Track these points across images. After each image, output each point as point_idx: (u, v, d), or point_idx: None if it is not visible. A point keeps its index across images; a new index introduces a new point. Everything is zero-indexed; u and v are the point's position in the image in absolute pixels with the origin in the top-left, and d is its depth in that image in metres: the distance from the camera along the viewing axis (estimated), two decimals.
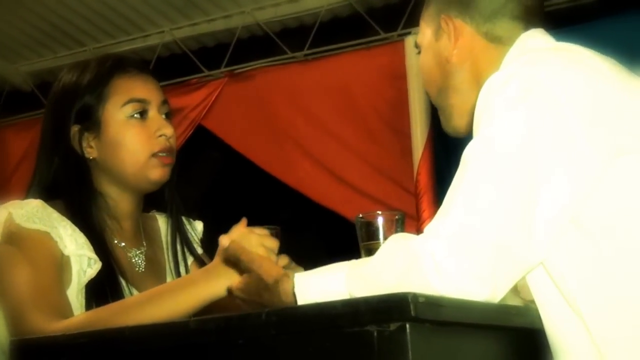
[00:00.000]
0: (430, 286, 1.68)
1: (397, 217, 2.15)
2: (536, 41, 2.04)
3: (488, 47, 2.07)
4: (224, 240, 2.06)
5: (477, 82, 2.01)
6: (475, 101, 1.89)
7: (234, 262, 2.05)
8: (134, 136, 2.33)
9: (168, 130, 2.36)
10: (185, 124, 5.65)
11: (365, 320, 1.57)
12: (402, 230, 2.15)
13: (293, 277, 1.93)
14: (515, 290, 2.19)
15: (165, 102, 2.42)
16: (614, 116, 1.80)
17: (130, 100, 2.34)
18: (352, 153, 5.31)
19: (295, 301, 1.90)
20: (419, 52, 2.21)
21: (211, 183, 5.93)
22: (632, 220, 1.77)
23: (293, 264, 2.14)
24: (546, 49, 2.00)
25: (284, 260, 2.11)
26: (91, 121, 2.33)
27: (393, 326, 1.54)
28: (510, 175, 1.74)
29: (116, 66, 2.38)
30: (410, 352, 1.53)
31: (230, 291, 2.06)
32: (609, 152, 1.77)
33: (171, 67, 5.81)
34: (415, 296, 1.54)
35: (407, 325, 1.54)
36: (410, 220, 4.39)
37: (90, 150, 2.34)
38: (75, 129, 2.34)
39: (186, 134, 5.65)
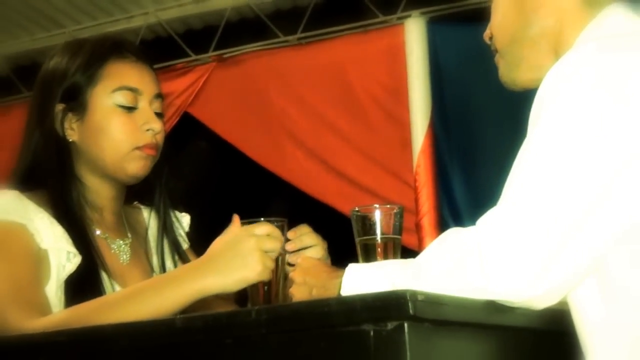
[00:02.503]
0: (473, 285, 1.69)
1: (395, 211, 2.15)
2: (619, 21, 1.98)
3: (578, 8, 2.02)
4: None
5: (556, 43, 2.02)
6: (546, 62, 1.91)
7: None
8: (120, 125, 2.33)
9: (156, 125, 2.36)
10: (170, 111, 5.62)
11: (361, 319, 1.57)
12: (401, 225, 2.16)
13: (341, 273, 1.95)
14: None
15: (158, 95, 2.41)
16: None
17: (122, 87, 2.35)
18: (348, 143, 5.33)
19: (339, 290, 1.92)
20: None
21: (198, 174, 5.92)
22: None
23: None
24: (628, 34, 1.94)
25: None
26: (77, 102, 2.34)
27: (390, 325, 1.55)
28: (585, 170, 1.71)
29: (113, 49, 2.39)
30: (408, 353, 1.54)
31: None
32: None
33: (156, 51, 5.77)
34: (414, 294, 1.54)
35: (406, 325, 1.54)
36: (409, 214, 4.40)
37: (71, 132, 2.34)
38: (59, 107, 2.34)
39: (171, 122, 5.62)
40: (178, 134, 5.62)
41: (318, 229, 2.24)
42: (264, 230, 2.03)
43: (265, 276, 2.00)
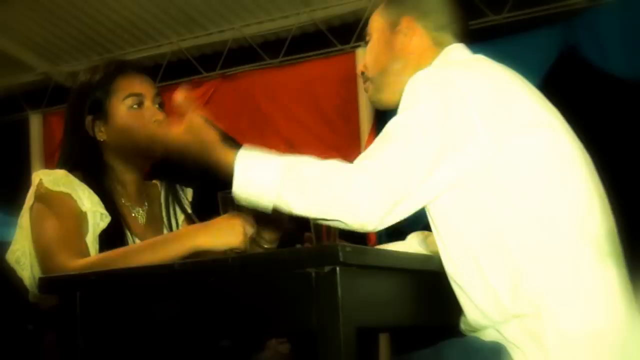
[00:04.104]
0: (351, 207, 1.72)
1: None
2: (457, 53, 2.07)
3: (431, 48, 2.10)
4: (179, 94, 1.95)
5: (414, 72, 2.01)
6: (404, 86, 1.91)
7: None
8: (134, 122, 2.33)
9: (160, 116, 2.36)
10: None
11: (306, 264, 1.59)
12: None
13: (235, 150, 1.82)
14: (424, 243, 2.21)
15: (158, 94, 2.41)
16: (505, 109, 1.84)
17: (130, 95, 2.35)
18: (314, 136, 5.30)
19: (230, 174, 1.80)
20: (369, 39, 2.21)
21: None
22: (506, 181, 1.81)
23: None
24: (462, 61, 2.03)
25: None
26: (101, 112, 2.35)
27: (327, 269, 1.56)
28: (423, 143, 1.78)
29: (118, 68, 2.39)
30: (339, 288, 1.56)
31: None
32: (500, 134, 1.80)
33: (178, 70, 5.78)
34: (344, 247, 1.56)
35: (337, 268, 1.56)
36: None
37: (101, 134, 2.35)
38: (89, 118, 2.35)
39: None
40: None
41: None
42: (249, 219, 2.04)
43: (243, 245, 2.00)
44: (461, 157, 1.79)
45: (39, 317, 2.40)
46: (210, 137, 1.88)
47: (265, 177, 1.78)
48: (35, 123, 6.22)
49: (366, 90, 2.21)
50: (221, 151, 1.86)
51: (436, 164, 1.78)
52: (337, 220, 1.75)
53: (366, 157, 1.79)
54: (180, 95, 1.92)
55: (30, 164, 5.97)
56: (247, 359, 2.66)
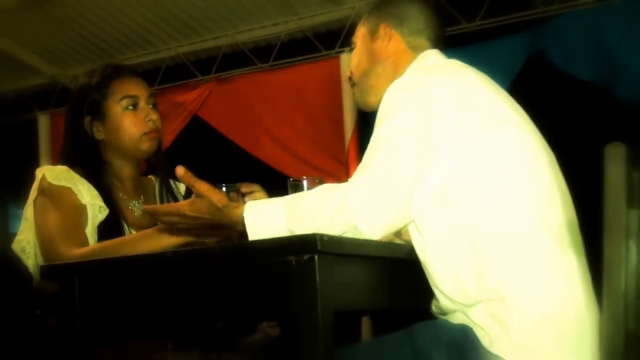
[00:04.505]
0: (354, 220, 1.72)
1: (317, 180, 2.14)
2: (432, 58, 2.07)
3: (406, 52, 2.11)
4: (180, 170, 1.86)
5: (393, 74, 2.06)
6: (386, 88, 1.91)
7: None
8: (130, 122, 2.32)
9: (154, 116, 2.35)
10: (184, 113, 5.61)
11: (287, 253, 1.59)
12: None
13: (242, 205, 1.83)
14: (398, 233, 2.21)
15: (151, 95, 2.39)
16: (477, 109, 1.84)
17: (125, 96, 2.33)
18: (301, 134, 5.28)
19: (244, 227, 1.80)
20: (354, 47, 2.22)
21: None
22: (476, 178, 1.81)
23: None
24: (436, 65, 2.03)
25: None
26: (99, 113, 2.33)
27: (306, 257, 1.56)
28: (407, 148, 1.78)
29: (114, 72, 2.37)
30: (317, 275, 1.56)
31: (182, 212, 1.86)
32: (471, 133, 1.80)
33: (176, 73, 5.78)
34: (321, 236, 1.56)
35: (316, 256, 1.56)
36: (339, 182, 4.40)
37: (99, 133, 2.34)
38: (87, 119, 2.33)
39: (185, 120, 5.63)
40: (190, 128, 5.60)
41: (274, 189, 2.18)
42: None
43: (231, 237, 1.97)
44: (441, 156, 1.79)
45: (43, 302, 2.40)
46: (219, 201, 1.85)
47: (273, 224, 1.79)
48: (43, 123, 6.21)
49: (354, 94, 2.23)
50: (231, 210, 1.84)
51: (423, 165, 1.78)
52: (346, 233, 1.75)
53: (358, 173, 1.80)
54: (180, 171, 1.86)
55: (39, 160, 5.95)
56: (238, 341, 2.65)
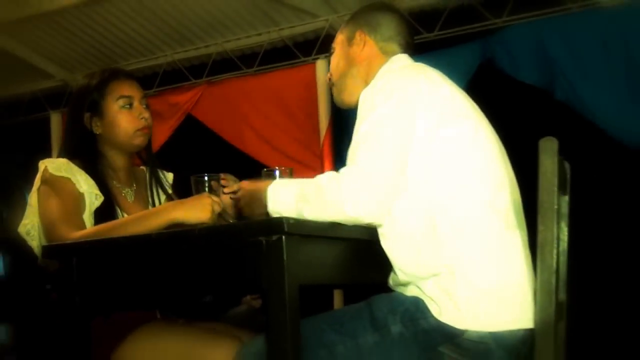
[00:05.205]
0: (346, 207, 1.70)
1: (288, 170, 2.14)
2: (401, 62, 2.06)
3: (379, 56, 2.10)
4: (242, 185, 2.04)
5: (367, 75, 2.07)
6: (360, 89, 1.93)
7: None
8: (124, 119, 2.29)
9: (146, 114, 2.33)
10: (179, 112, 5.55)
11: (257, 233, 1.58)
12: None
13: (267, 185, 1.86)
14: None
15: (144, 96, 2.37)
16: (440, 104, 1.84)
17: (121, 97, 2.30)
18: (282, 130, 5.23)
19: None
20: (334, 52, 2.21)
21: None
22: (436, 165, 1.81)
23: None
24: (405, 66, 2.02)
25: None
26: (97, 110, 2.30)
27: (275, 237, 1.56)
28: (389, 142, 1.77)
29: (112, 75, 2.34)
30: (284, 254, 1.55)
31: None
32: (436, 126, 1.80)
33: (172, 77, 5.72)
34: (287, 219, 1.56)
35: (283, 237, 1.55)
36: (314, 172, 4.39)
37: (97, 127, 2.30)
38: (87, 115, 2.30)
39: (180, 119, 5.57)
40: (184, 127, 5.56)
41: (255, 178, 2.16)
42: (216, 198, 1.99)
43: (211, 219, 1.94)
44: (411, 147, 1.79)
45: (48, 278, 2.37)
46: (259, 189, 1.90)
47: (286, 200, 1.80)
48: (55, 121, 6.13)
49: (333, 93, 2.23)
50: (263, 192, 1.86)
51: (401, 151, 1.78)
52: (340, 218, 1.73)
53: (347, 164, 1.79)
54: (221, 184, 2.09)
55: (52, 154, 5.89)
56: (225, 312, 2.64)
